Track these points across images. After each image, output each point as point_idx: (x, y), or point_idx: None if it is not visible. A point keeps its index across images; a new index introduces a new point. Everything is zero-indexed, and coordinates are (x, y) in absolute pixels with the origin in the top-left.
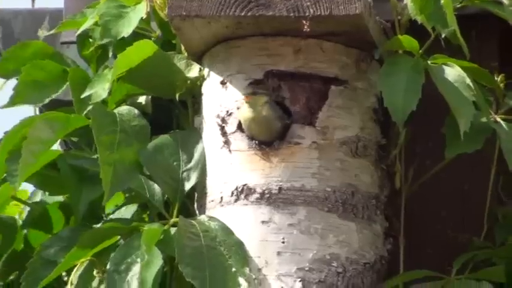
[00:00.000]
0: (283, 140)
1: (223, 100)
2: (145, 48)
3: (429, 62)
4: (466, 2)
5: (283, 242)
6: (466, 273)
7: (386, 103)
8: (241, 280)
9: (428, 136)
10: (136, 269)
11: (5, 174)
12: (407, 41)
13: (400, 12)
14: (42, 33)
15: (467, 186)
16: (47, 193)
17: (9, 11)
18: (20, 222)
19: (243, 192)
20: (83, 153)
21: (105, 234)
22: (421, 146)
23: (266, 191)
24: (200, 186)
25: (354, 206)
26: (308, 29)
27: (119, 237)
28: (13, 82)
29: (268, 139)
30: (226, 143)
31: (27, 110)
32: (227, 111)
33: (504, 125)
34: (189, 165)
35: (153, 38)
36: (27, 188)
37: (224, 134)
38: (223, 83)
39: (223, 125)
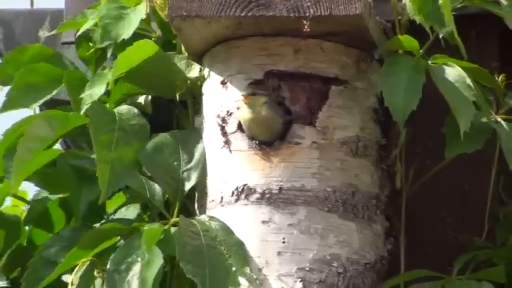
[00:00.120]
0: (283, 140)
1: (223, 100)
2: (145, 48)
3: (429, 62)
4: (466, 2)
5: (283, 242)
6: (467, 274)
7: (387, 103)
8: (241, 280)
9: (429, 136)
10: (136, 268)
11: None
12: (408, 41)
13: (400, 12)
14: (43, 33)
15: (467, 186)
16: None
17: (10, 11)
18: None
19: (244, 192)
20: (82, 152)
21: (105, 234)
22: (421, 146)
23: (266, 191)
24: (200, 186)
25: (354, 206)
26: (308, 29)
27: (119, 237)
28: None
29: (268, 139)
30: (227, 143)
31: (28, 111)
32: (227, 111)
33: (505, 125)
34: (189, 165)
35: (153, 38)
36: (28, 188)
37: (224, 134)
38: (223, 83)
39: (223, 125)
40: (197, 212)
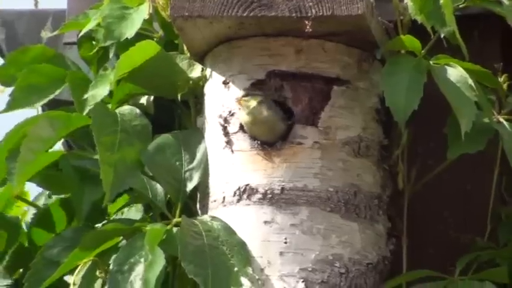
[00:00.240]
0: (285, 140)
1: (225, 100)
2: (147, 49)
3: (431, 62)
4: (469, 2)
5: (285, 242)
6: (469, 274)
7: (388, 103)
8: (243, 280)
9: (430, 136)
10: (139, 269)
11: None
12: (410, 41)
13: (402, 12)
14: (45, 34)
15: (469, 186)
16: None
17: (13, 11)
18: (23, 222)
19: (246, 192)
20: (85, 153)
21: (107, 234)
22: (423, 146)
23: (268, 191)
24: (202, 186)
25: (357, 206)
26: (310, 29)
27: (121, 237)
28: None
29: (270, 139)
30: (229, 143)
31: (31, 111)
32: (229, 112)
33: (507, 126)
34: (191, 165)
35: (155, 39)
36: (30, 188)
37: (226, 134)
38: (225, 83)
39: (225, 125)
40: (199, 212)
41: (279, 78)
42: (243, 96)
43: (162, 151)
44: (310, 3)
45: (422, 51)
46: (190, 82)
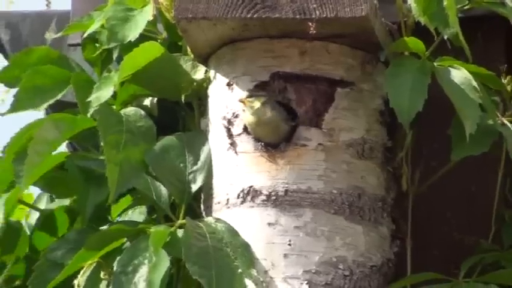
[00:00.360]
0: (289, 142)
1: (229, 102)
2: (151, 50)
3: (435, 64)
4: (473, 3)
5: (289, 245)
6: (474, 276)
7: (392, 104)
8: (247, 282)
9: (434, 138)
10: (143, 270)
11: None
12: (413, 43)
13: (406, 14)
14: (50, 35)
15: (473, 188)
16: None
17: (17, 13)
18: (26, 226)
19: (249, 194)
20: (90, 154)
21: (112, 236)
22: (427, 148)
23: (272, 193)
24: (206, 188)
25: (361, 209)
26: (314, 31)
27: (125, 239)
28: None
29: (274, 141)
30: (233, 144)
31: (36, 113)
32: (233, 113)
33: (511, 128)
34: (195, 167)
35: (159, 40)
36: (32, 191)
37: (230, 135)
38: (229, 84)
39: (229, 126)
40: (203, 213)
41: (283, 80)
42: (247, 97)
43: (166, 153)
44: (314, 5)
45: (426, 53)
46: (194, 84)
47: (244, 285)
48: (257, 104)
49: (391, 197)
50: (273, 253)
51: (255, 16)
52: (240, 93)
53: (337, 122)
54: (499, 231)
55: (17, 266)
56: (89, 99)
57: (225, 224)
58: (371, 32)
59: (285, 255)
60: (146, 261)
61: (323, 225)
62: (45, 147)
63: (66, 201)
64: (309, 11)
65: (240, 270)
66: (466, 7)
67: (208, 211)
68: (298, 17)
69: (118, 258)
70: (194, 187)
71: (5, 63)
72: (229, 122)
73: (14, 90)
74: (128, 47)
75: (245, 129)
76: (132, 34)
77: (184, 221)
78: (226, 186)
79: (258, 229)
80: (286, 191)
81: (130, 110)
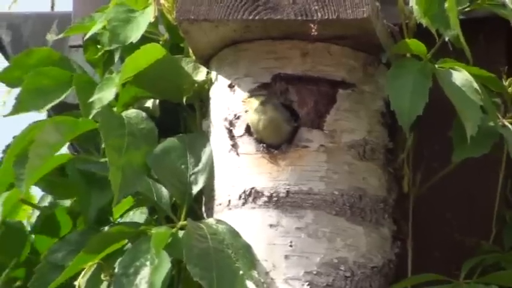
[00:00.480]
0: (291, 143)
1: (231, 103)
2: (153, 52)
3: (437, 65)
4: (474, 5)
5: (290, 246)
6: (475, 278)
7: (393, 106)
8: (248, 283)
9: (435, 139)
10: (144, 272)
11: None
12: (415, 45)
13: (407, 16)
14: (51, 37)
15: (474, 189)
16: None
17: (19, 15)
18: (29, 227)
19: (251, 195)
20: (91, 157)
21: (113, 238)
22: (428, 149)
23: (274, 195)
24: (208, 190)
25: (362, 210)
26: (316, 33)
27: (126, 241)
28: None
29: (275, 142)
30: (234, 146)
31: (38, 115)
32: (235, 115)
33: None
34: (196, 169)
35: (161, 42)
36: (35, 193)
37: (232, 137)
38: (231, 86)
39: (231, 128)
40: (204, 215)
41: (285, 82)
42: (248, 97)
43: (167, 154)
44: (316, 7)
45: (428, 55)
46: (196, 85)
47: (245, 287)
48: (256, 103)
49: (392, 198)
50: (274, 254)
51: (256, 18)
52: (241, 94)
53: (338, 124)
54: (500, 232)
55: (17, 268)
56: (90, 101)
57: (226, 225)
58: (373, 34)
59: (286, 257)
60: (148, 263)
61: (324, 226)
62: (46, 150)
63: (67, 202)
64: (310, 12)
65: (241, 272)
66: (467, 9)
67: (210, 212)
68: (300, 18)
69: (119, 259)
70: (195, 188)
71: (6, 64)
72: (231, 124)
73: (15, 92)
74: (129, 49)
75: (247, 130)
76: (134, 35)
77: (185, 222)
78: (227, 188)
79: (259, 230)
80: (287, 192)
81: (131, 112)
